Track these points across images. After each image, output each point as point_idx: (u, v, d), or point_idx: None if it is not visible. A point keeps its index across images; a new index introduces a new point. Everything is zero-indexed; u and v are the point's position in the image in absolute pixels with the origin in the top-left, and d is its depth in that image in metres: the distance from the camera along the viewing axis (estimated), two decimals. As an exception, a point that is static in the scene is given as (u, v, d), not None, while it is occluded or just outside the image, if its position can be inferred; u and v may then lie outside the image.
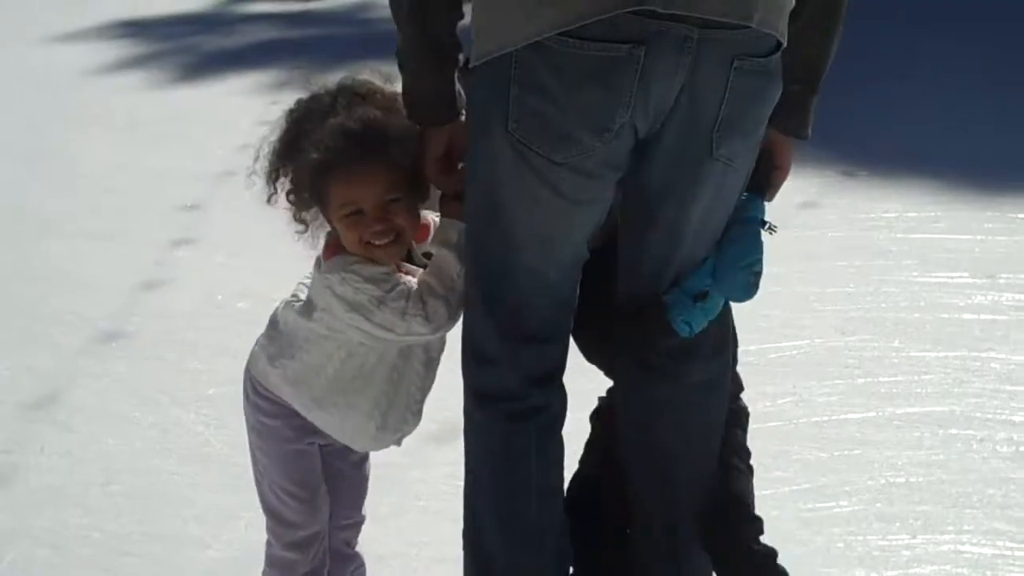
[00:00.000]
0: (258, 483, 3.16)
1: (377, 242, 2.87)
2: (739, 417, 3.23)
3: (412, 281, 2.91)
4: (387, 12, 2.82)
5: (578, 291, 2.92)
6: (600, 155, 2.66)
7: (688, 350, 2.92)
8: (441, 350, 3.10)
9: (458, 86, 2.81)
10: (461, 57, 2.80)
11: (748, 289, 2.91)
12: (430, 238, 2.99)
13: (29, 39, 10.88)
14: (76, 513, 4.00)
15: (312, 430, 3.07)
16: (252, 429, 3.13)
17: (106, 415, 4.59)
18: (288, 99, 3.03)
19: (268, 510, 3.16)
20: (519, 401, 2.92)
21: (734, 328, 3.16)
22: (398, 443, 3.17)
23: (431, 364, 3.07)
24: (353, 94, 2.95)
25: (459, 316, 2.93)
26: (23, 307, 5.55)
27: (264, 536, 3.22)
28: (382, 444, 3.15)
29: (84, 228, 6.48)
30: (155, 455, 4.33)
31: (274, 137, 2.98)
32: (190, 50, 10.58)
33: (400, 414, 3.06)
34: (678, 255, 2.85)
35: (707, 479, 3.09)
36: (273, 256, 5.88)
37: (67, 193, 7.05)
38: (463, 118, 2.83)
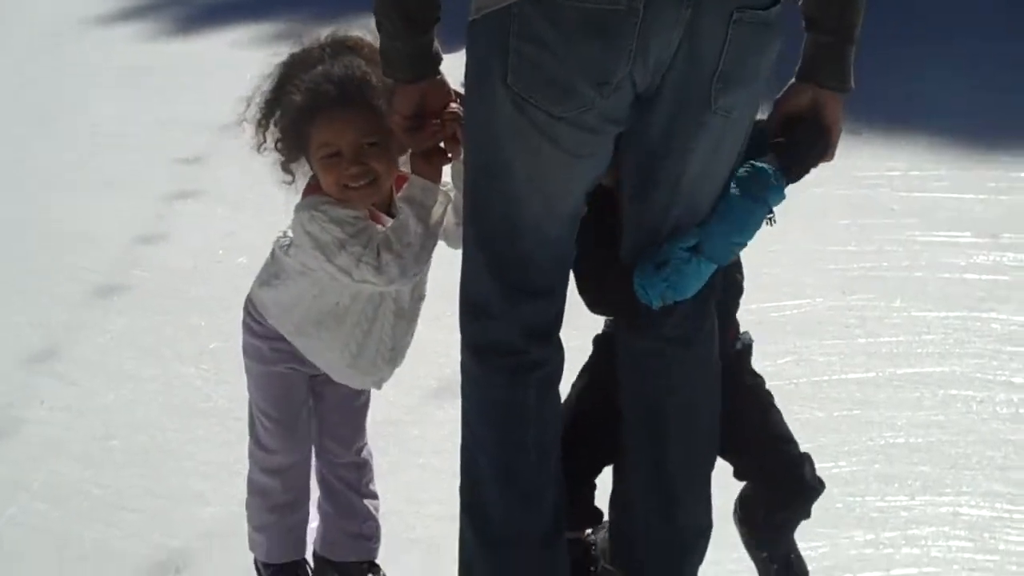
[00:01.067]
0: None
1: (353, 184, 2.95)
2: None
3: (380, 230, 2.97)
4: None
5: (575, 244, 2.92)
6: (599, 109, 2.66)
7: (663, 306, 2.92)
8: (415, 302, 3.17)
9: (436, 45, 2.80)
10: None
11: (726, 258, 2.91)
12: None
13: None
14: (76, 467, 4.01)
15: (294, 356, 3.17)
16: (243, 347, 3.27)
17: (106, 369, 4.60)
18: (288, 51, 3.07)
19: (250, 432, 3.30)
20: (520, 355, 2.92)
21: (740, 281, 3.17)
22: (377, 385, 3.27)
23: (401, 314, 3.15)
24: (341, 45, 3.04)
25: (412, 274, 2.98)
26: (22, 259, 5.55)
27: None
28: (358, 382, 3.25)
29: (83, 180, 6.47)
30: (155, 409, 4.34)
31: (264, 86, 3.06)
32: (189, 1, 10.52)
33: (370, 358, 3.15)
34: (676, 208, 2.84)
35: (700, 441, 3.11)
36: (275, 211, 5.85)
37: (66, 144, 7.05)
38: (439, 77, 2.84)
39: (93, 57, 8.84)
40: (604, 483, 3.32)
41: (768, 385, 3.29)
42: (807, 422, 4.14)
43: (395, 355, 3.18)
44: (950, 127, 6.79)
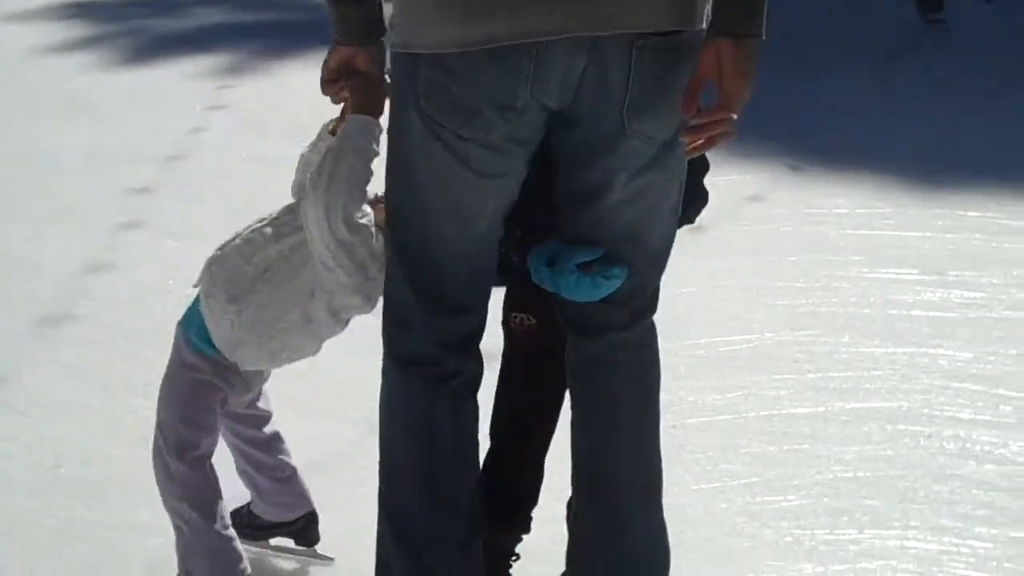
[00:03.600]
0: None
1: None
2: None
3: None
4: (344, 1, 2.92)
5: (496, 264, 3.00)
6: (505, 131, 2.74)
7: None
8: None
9: (379, 18, 2.95)
10: None
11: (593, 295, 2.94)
12: None
13: (-24, 17, 10.81)
14: (25, 498, 3.99)
15: None
16: None
17: (55, 400, 4.57)
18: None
19: None
20: (436, 366, 3.00)
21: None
22: None
23: None
24: None
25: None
26: (-31, 289, 5.51)
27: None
28: None
29: (32, 210, 6.42)
30: (105, 441, 4.31)
31: None
32: (141, 31, 10.48)
33: None
34: (595, 231, 2.90)
35: (651, 449, 3.17)
36: (224, 240, 5.88)
37: (13, 174, 6.98)
38: (374, 48, 2.99)
39: (40, 87, 8.78)
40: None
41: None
42: (756, 456, 4.16)
43: None
44: (896, 165, 6.87)
